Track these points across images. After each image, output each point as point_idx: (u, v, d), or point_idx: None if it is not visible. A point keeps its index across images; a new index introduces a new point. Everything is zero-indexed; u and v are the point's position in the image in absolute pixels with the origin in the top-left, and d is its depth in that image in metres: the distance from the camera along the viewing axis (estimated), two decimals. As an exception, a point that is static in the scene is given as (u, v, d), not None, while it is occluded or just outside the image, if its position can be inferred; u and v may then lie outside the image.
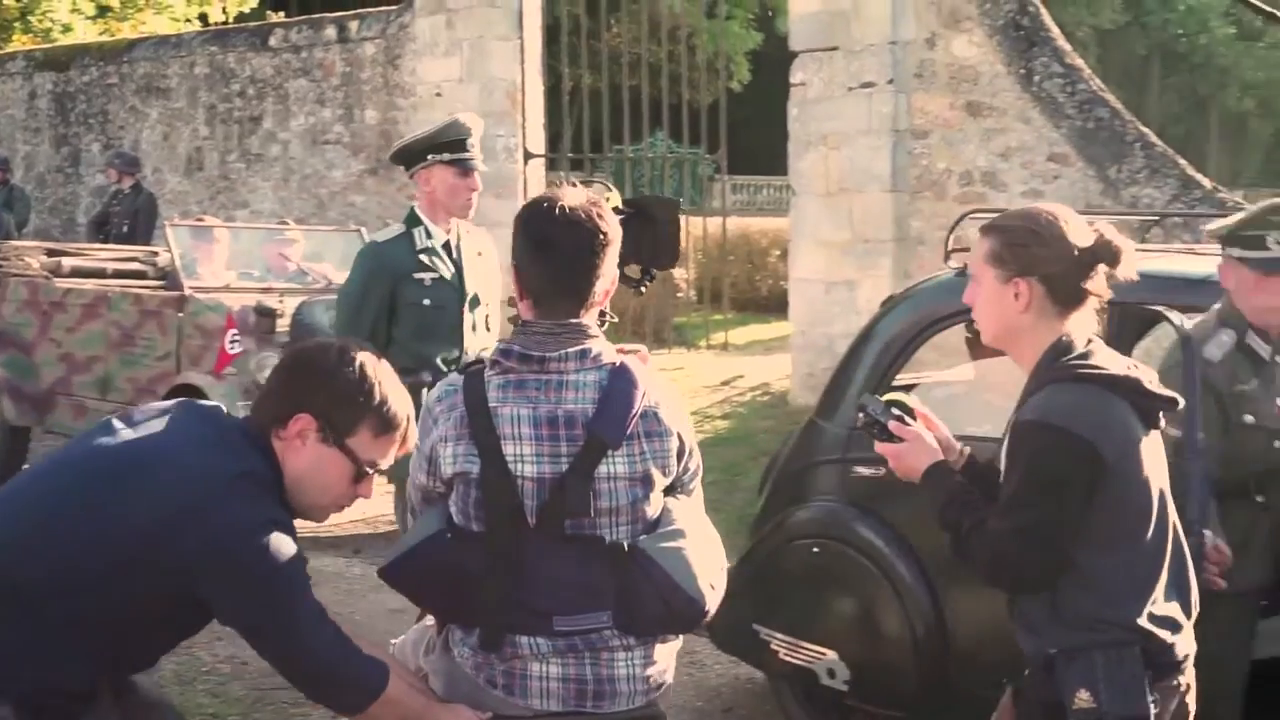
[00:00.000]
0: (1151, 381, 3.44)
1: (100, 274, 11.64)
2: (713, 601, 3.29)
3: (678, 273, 17.94)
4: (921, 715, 5.55)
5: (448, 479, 3.26)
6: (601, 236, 3.25)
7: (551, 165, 16.41)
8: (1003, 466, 3.46)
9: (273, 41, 17.35)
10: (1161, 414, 3.46)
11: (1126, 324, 5.14)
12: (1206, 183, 11.08)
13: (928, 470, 3.55)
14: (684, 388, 13.59)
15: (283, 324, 9.86)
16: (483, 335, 6.24)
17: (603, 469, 3.22)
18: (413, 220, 6.19)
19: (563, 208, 3.24)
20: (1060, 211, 3.52)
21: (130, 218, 14.86)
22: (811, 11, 12.30)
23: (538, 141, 15.47)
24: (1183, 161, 11.18)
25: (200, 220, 12.28)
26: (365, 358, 3.32)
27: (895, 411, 3.60)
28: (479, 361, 3.35)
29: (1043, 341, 3.45)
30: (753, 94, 32.58)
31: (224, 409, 3.45)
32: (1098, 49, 39.92)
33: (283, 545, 3.17)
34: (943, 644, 5.47)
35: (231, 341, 9.86)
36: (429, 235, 6.17)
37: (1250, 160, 48.27)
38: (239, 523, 3.12)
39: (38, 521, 3.17)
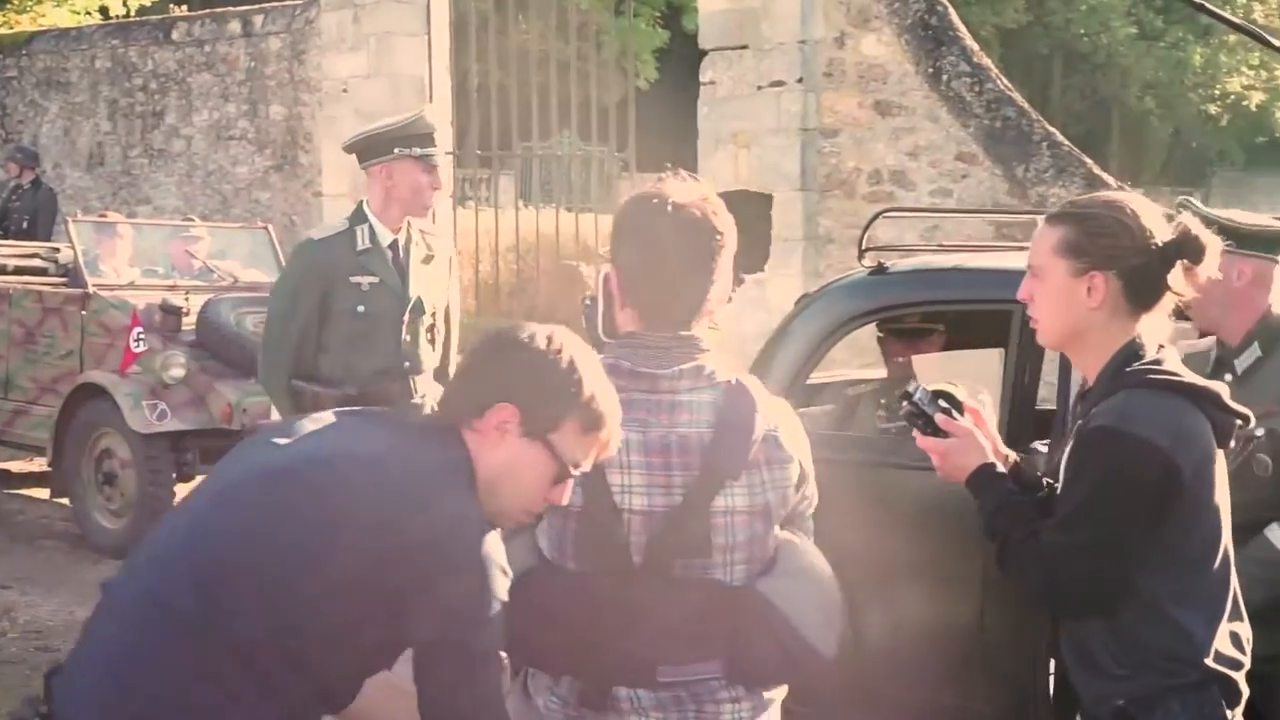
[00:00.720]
0: (1229, 395, 3.13)
1: (0, 270, 11.45)
2: (835, 649, 2.98)
3: (586, 270, 17.90)
4: (836, 713, 5.56)
5: (546, 510, 2.93)
6: (718, 237, 2.92)
7: (459, 162, 16.34)
8: (1061, 476, 3.15)
9: (176, 35, 17.16)
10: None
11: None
12: (1112, 181, 11.19)
13: (976, 471, 3.23)
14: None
15: (189, 322, 9.78)
16: (425, 345, 5.82)
17: (720, 502, 2.87)
18: (358, 218, 5.75)
19: (674, 205, 2.90)
20: (1138, 200, 3.22)
21: (30, 213, 14.66)
22: (720, 10, 12.31)
23: (445, 138, 15.36)
24: (1089, 160, 11.29)
25: (103, 216, 12.12)
26: (575, 346, 2.88)
27: (942, 404, 3.26)
28: None
29: (1112, 344, 3.13)
30: (659, 92, 32.61)
31: (391, 411, 3.10)
32: (1001, 48, 40.24)
33: (493, 551, 2.73)
34: (856, 643, 5.49)
35: (136, 340, 9.75)
36: (373, 235, 5.70)
37: (1150, 159, 48.90)
38: (448, 512, 2.71)
39: (230, 559, 2.70)
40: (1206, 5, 6.06)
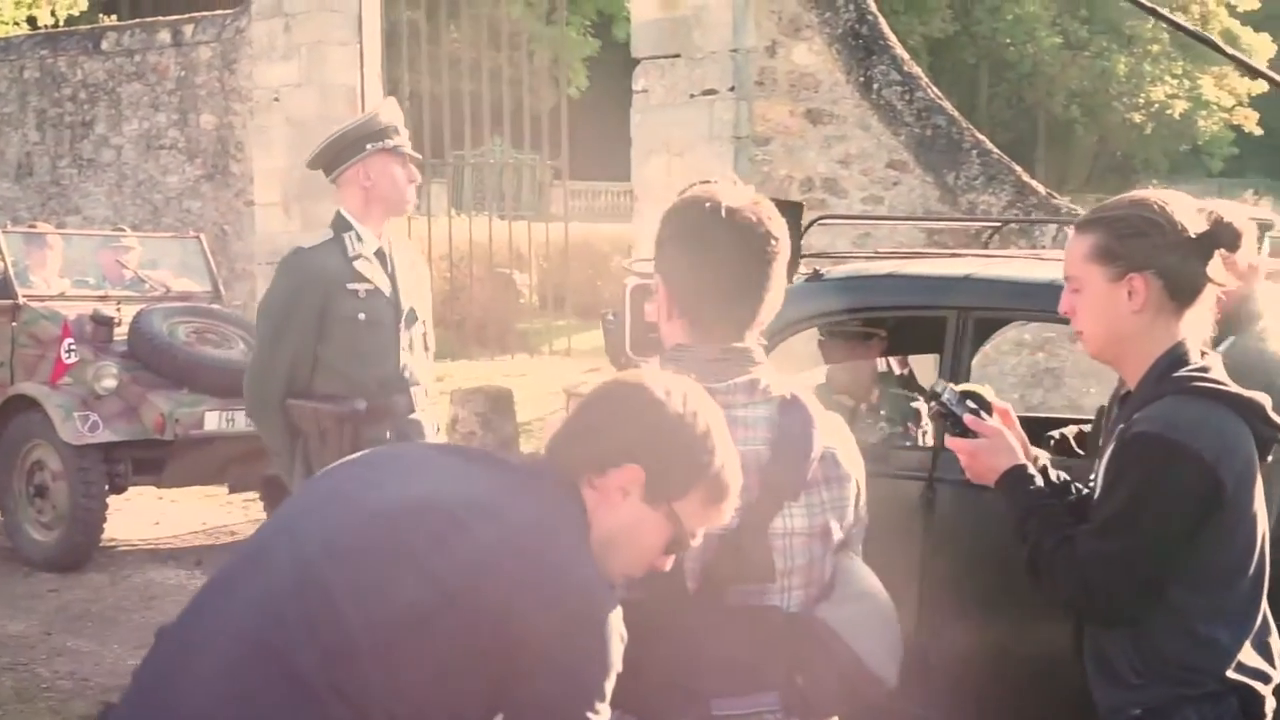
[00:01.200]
0: (1271, 407, 3.03)
1: (-72, 283, 11.33)
2: (896, 677, 2.83)
3: (519, 278, 17.92)
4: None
5: None
6: (773, 243, 2.75)
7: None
8: (1099, 481, 3.04)
9: (105, 45, 17.02)
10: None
11: (971, 330, 5.21)
12: (1041, 189, 11.32)
13: (1007, 473, 3.11)
14: (528, 393, 13.58)
15: (120, 333, 9.71)
16: (420, 356, 5.50)
17: (779, 523, 2.71)
18: (341, 225, 5.34)
19: (728, 209, 2.72)
20: (1166, 195, 3.09)
21: (-43, 224, 14.50)
22: (653, 19, 12.35)
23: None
24: (1018, 168, 11.40)
25: (33, 227, 12.02)
26: (707, 408, 2.63)
27: (970, 404, 3.15)
28: None
29: (1157, 347, 3.02)
30: (590, 100, 32.67)
31: (495, 450, 2.83)
32: (929, 57, 40.56)
33: (615, 618, 2.49)
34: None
35: (68, 351, 9.68)
36: (360, 240, 5.34)
37: (1076, 167, 49.39)
38: (572, 579, 2.47)
39: (349, 617, 2.42)
40: (1160, 11, 6.13)
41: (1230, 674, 2.94)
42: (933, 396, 3.20)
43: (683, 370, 2.71)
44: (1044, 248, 9.84)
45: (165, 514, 11.21)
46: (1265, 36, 45.31)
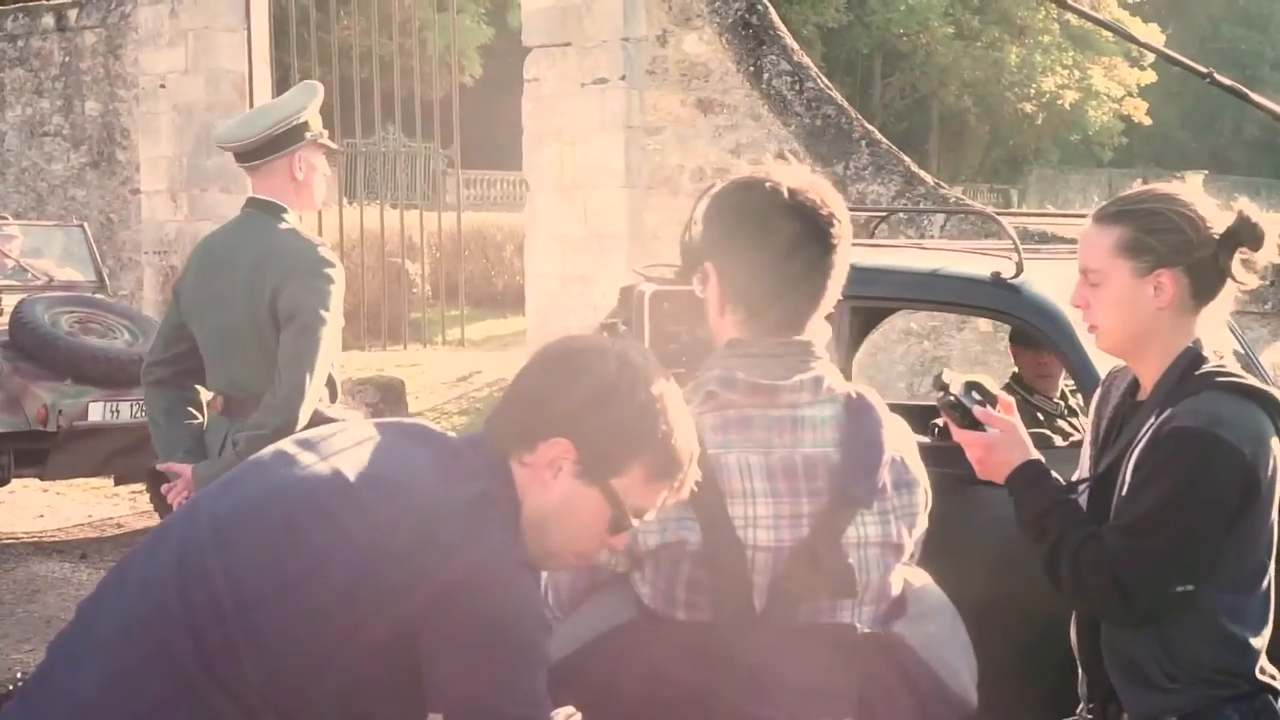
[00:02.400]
0: None
1: None
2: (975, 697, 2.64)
3: (412, 268, 17.84)
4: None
5: (648, 550, 2.51)
6: (835, 226, 2.54)
7: (281, 159, 16.14)
8: (1128, 478, 2.92)
9: (-13, 29, 16.75)
10: None
11: (856, 320, 5.25)
12: (929, 179, 11.41)
13: (1021, 469, 2.98)
14: (420, 384, 13.54)
15: (1, 323, 9.56)
16: None
17: (852, 532, 2.51)
18: (275, 211, 4.91)
19: (789, 191, 2.52)
20: (1188, 190, 3.03)
21: None
22: (544, 7, 12.32)
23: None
24: (906, 159, 11.49)
25: (-89, 215, 11.82)
26: (649, 371, 2.42)
27: (976, 395, 2.99)
28: None
29: (1176, 345, 2.95)
30: (485, 88, 32.54)
31: (432, 425, 2.56)
32: (822, 46, 40.77)
33: (532, 599, 2.34)
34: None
35: (-53, 341, 9.51)
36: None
37: (969, 157, 49.86)
38: (476, 560, 2.27)
39: (225, 598, 2.28)
40: (1070, 3, 6.19)
41: (1259, 675, 2.89)
42: (940, 387, 3.02)
43: (746, 366, 2.53)
44: (932, 237, 9.94)
45: (50, 506, 11.05)
46: (1154, 27, 45.96)
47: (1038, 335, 5.02)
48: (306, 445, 2.46)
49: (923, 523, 2.63)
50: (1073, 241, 8.52)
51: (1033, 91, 46.36)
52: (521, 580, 2.31)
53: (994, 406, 3.00)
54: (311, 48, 16.63)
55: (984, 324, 9.54)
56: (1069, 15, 42.16)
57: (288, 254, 4.79)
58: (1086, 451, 3.22)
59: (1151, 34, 45.15)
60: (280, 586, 2.28)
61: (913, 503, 2.59)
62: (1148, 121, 48.41)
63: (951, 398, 2.99)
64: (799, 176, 2.56)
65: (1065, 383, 5.87)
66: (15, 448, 9.40)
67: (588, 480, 2.41)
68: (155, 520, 8.78)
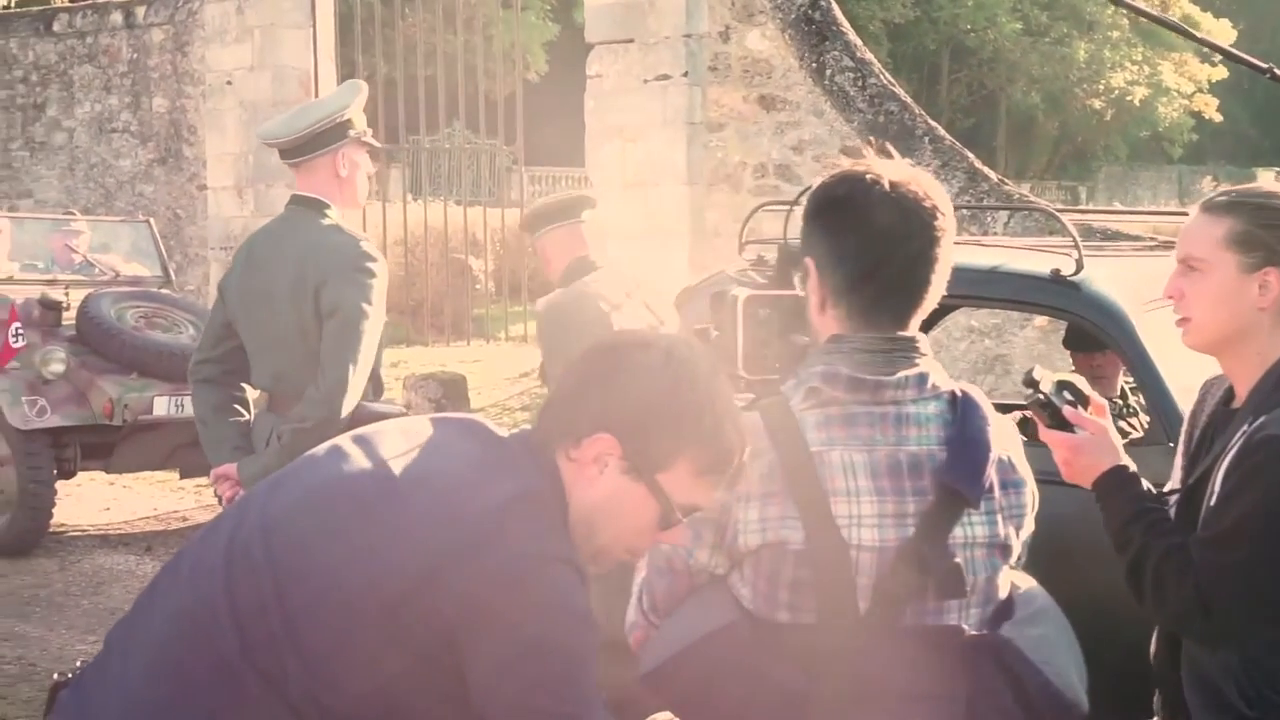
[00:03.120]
0: None
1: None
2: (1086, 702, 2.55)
3: (475, 264, 17.89)
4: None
5: (749, 551, 2.46)
6: (939, 219, 2.49)
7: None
8: (1218, 487, 2.78)
9: (56, 27, 16.91)
10: None
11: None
12: (993, 175, 11.34)
13: (1108, 474, 2.85)
14: (483, 380, 13.58)
15: (68, 317, 9.66)
16: None
17: (959, 532, 2.45)
18: (318, 207, 4.93)
19: (892, 184, 2.47)
20: None
21: (-93, 208, 14.42)
22: (607, 4, 12.33)
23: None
24: (970, 155, 11.43)
25: (-20, 211, 11.96)
26: (697, 366, 2.40)
27: (1067, 395, 2.87)
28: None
29: (1275, 348, 2.83)
30: (550, 85, 32.58)
31: (487, 422, 2.53)
32: (889, 42, 40.57)
33: (573, 597, 2.30)
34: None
35: (15, 335, 9.63)
36: None
37: (1037, 154, 49.49)
38: (515, 557, 2.25)
39: (268, 591, 2.30)
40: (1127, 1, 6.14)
41: None
42: (1030, 384, 2.89)
43: (848, 362, 2.48)
44: (995, 234, 9.89)
45: (116, 499, 11.16)
46: (1225, 23, 45.50)
47: (1097, 333, 4.97)
48: (359, 441, 2.46)
49: (1029, 524, 2.58)
50: (1137, 239, 8.46)
51: (1102, 88, 45.94)
52: (561, 578, 2.28)
53: (1085, 408, 2.88)
54: (377, 45, 16.69)
55: (1047, 321, 9.48)
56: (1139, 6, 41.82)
57: (330, 249, 4.82)
58: (1178, 461, 3.09)
59: (1222, 30, 44.72)
60: (319, 581, 2.28)
61: (1020, 503, 2.54)
62: (1219, 118, 47.89)
63: (1041, 396, 2.88)
64: (901, 169, 2.52)
65: (1126, 380, 5.82)
66: (81, 441, 9.53)
67: (634, 476, 2.39)
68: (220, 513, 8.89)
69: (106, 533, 10.17)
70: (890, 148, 2.61)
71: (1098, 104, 46.34)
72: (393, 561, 2.27)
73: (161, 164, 15.98)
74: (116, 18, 16.41)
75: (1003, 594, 2.55)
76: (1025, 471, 2.57)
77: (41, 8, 19.39)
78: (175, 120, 15.76)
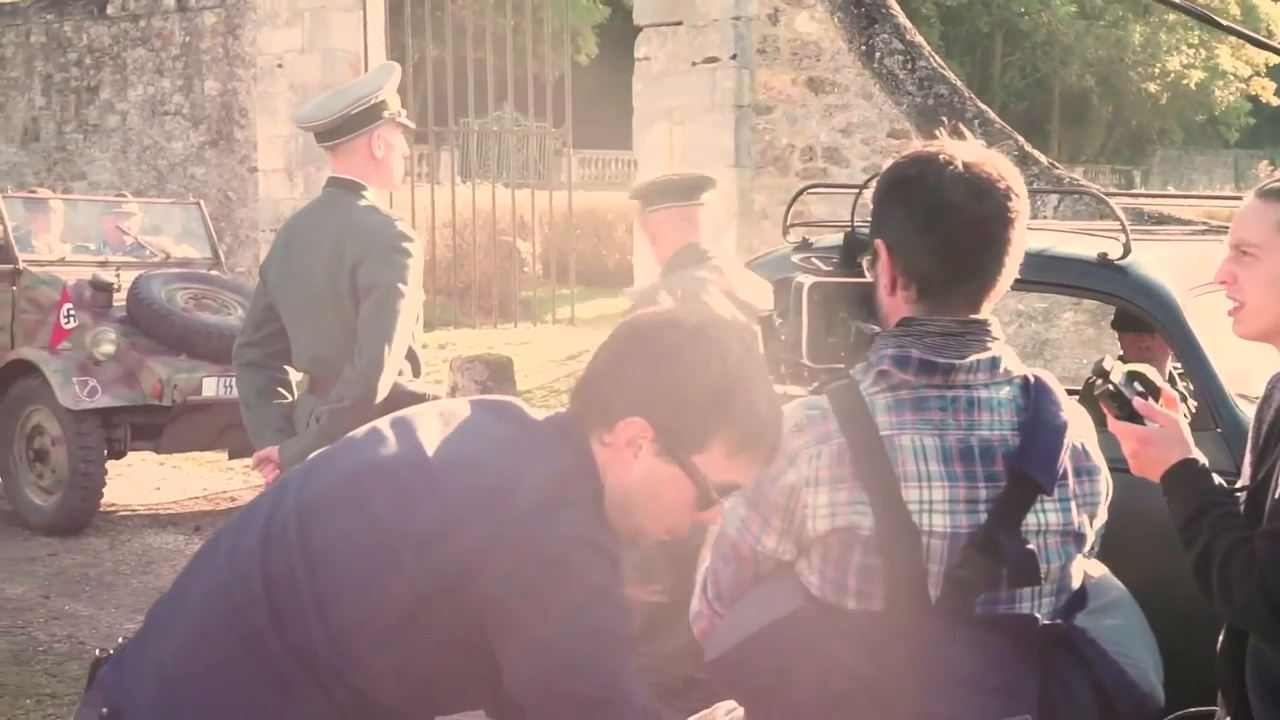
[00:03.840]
0: None
1: (-70, 246, 11.37)
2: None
3: (523, 246, 17.92)
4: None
5: (817, 536, 2.41)
6: (1014, 200, 2.44)
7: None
8: (1277, 479, 2.73)
9: (110, 10, 16.99)
10: None
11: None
12: (1043, 159, 11.28)
13: (1177, 467, 2.76)
14: (530, 362, 13.60)
15: (119, 298, 9.73)
16: None
17: (1031, 519, 2.40)
18: (355, 189, 4.95)
19: (966, 166, 2.42)
20: None
21: (-39, 190, 14.53)
22: (656, -14, 12.32)
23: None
24: (1020, 138, 11.37)
25: (34, 192, 12.03)
26: (730, 345, 2.37)
27: (1138, 386, 2.80)
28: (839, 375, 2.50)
29: None
30: (599, 68, 32.57)
31: (521, 403, 2.52)
32: (941, 25, 40.41)
33: (605, 580, 2.29)
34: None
35: (67, 316, 9.71)
36: None
37: (1091, 138, 49.18)
38: (548, 540, 2.24)
39: (298, 571, 2.32)
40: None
41: None
42: (1100, 374, 2.83)
43: (919, 345, 2.43)
44: (1045, 218, 9.83)
45: (166, 479, 11.24)
46: (1281, 7, 45.13)
47: (1144, 317, 4.93)
48: (397, 423, 2.46)
49: (1103, 513, 2.53)
50: (1189, 223, 8.40)
51: (1157, 71, 45.64)
52: (593, 561, 2.26)
53: (1156, 399, 2.79)
54: (427, 27, 16.72)
55: (1095, 305, 9.42)
56: (1194, -7, 41.51)
57: (367, 229, 4.84)
58: (1247, 458, 3.00)
59: (1278, 13, 44.27)
60: (348, 559, 2.30)
61: (1094, 490, 2.50)
62: (1276, 102, 47.47)
63: (1111, 386, 2.80)
64: (974, 150, 2.48)
65: (1174, 365, 5.78)
66: (132, 421, 9.60)
67: (668, 458, 2.36)
68: (267, 494, 8.93)
69: (156, 512, 10.24)
70: (963, 128, 2.57)
71: (1153, 87, 46.03)
72: (419, 544, 2.27)
73: (213, 146, 16.06)
74: (169, 1, 16.49)
75: (1076, 583, 2.50)
76: (1099, 459, 2.52)
77: (95, -9, 19.52)
78: (226, 103, 15.84)
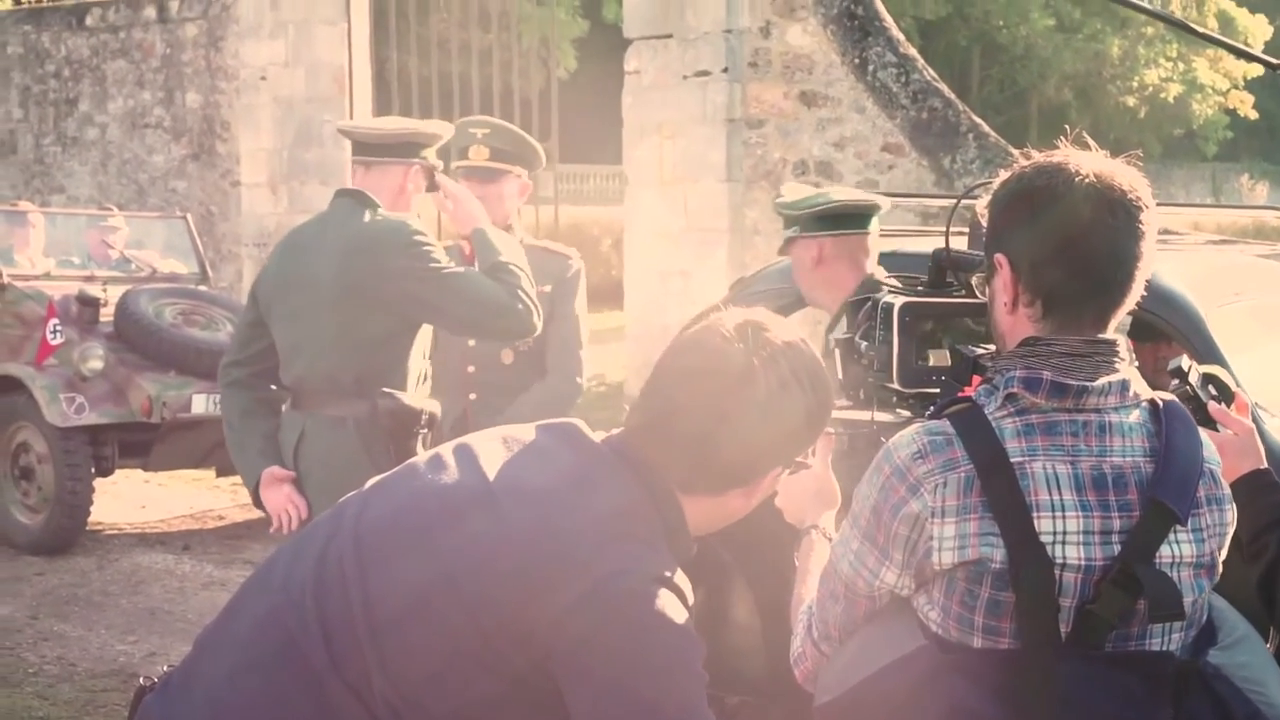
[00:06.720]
0: None
1: (-90, 262, 11.25)
2: None
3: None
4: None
5: (942, 570, 2.28)
6: (1144, 213, 2.32)
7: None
8: None
9: (89, 21, 16.90)
10: None
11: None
12: (1035, 173, 11.23)
13: (1249, 477, 2.70)
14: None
15: (106, 313, 9.63)
16: None
17: (1165, 551, 2.28)
18: (370, 205, 4.84)
19: (1098, 177, 2.32)
20: None
21: (-60, 203, 14.41)
22: (646, -1, 12.27)
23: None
24: (1015, 151, 11.30)
25: (15, 206, 11.91)
26: (803, 368, 2.39)
27: (1213, 390, 2.74)
28: (957, 398, 2.39)
29: None
30: (579, 82, 32.56)
31: (584, 426, 2.48)
32: (920, 39, 40.47)
33: (673, 616, 2.23)
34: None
35: (53, 331, 9.59)
36: None
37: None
38: (613, 576, 2.20)
39: (356, 598, 2.28)
40: (1141, 5, 6.05)
41: None
42: (1178, 374, 2.76)
43: (1044, 368, 2.31)
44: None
45: (152, 497, 11.12)
46: (1261, 19, 45.29)
47: (1164, 328, 4.86)
48: (459, 450, 2.43)
49: (1228, 544, 2.41)
50: (1177, 234, 8.33)
51: (1135, 84, 45.83)
52: (661, 596, 2.23)
53: (1229, 404, 2.74)
54: (410, 41, 16.64)
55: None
56: (1173, 4, 41.65)
57: (382, 231, 4.69)
58: None
59: (1258, 26, 44.48)
60: (408, 595, 2.25)
61: (1224, 521, 2.37)
62: (1254, 115, 47.69)
63: (1188, 389, 2.73)
64: (1101, 161, 2.36)
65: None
66: (119, 438, 9.48)
67: (742, 492, 2.46)
68: (257, 513, 8.80)
69: (144, 531, 10.12)
70: (1087, 137, 2.45)
71: (1131, 101, 46.22)
72: (481, 579, 2.23)
73: (194, 160, 15.96)
74: (150, 12, 16.39)
75: (1205, 617, 2.39)
76: (1226, 487, 2.41)
77: (75, 2, 19.39)
78: (208, 116, 15.73)
